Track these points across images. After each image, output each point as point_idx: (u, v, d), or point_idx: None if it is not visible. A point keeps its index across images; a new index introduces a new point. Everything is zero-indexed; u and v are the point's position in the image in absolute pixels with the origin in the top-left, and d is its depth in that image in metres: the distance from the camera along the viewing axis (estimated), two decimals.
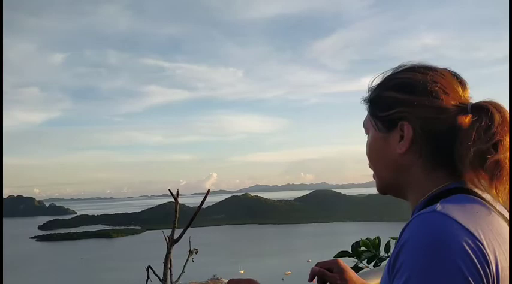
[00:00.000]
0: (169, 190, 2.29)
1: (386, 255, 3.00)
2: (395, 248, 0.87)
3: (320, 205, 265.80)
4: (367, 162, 1.12)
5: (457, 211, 0.85)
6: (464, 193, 0.93)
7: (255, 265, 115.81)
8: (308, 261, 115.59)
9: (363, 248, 2.94)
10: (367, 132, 1.12)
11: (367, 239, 2.96)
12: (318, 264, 1.21)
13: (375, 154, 1.09)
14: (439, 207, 0.86)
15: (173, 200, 2.33)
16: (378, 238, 3.00)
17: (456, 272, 0.77)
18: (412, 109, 0.99)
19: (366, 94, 1.12)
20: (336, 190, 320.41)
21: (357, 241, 2.96)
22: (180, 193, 2.35)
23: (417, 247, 0.81)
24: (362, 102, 1.13)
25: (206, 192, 2.40)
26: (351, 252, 2.95)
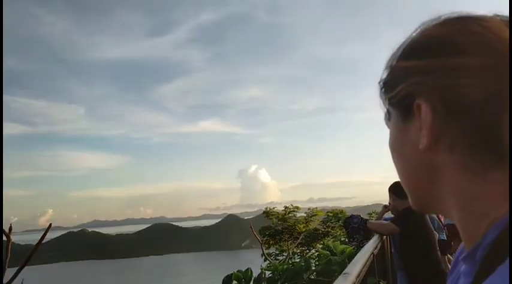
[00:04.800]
0: None
1: None
2: None
3: (158, 238, 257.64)
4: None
5: None
6: None
7: None
8: None
9: (235, 282, 2.56)
10: (389, 126, 0.67)
11: (238, 271, 2.49)
12: None
13: (394, 157, 0.64)
14: None
15: (4, 238, 2.05)
16: (250, 269, 2.63)
17: None
18: (427, 78, 0.53)
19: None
20: (174, 224, 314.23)
21: (229, 275, 2.54)
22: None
23: None
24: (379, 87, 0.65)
25: (47, 227, 2.23)
26: None
